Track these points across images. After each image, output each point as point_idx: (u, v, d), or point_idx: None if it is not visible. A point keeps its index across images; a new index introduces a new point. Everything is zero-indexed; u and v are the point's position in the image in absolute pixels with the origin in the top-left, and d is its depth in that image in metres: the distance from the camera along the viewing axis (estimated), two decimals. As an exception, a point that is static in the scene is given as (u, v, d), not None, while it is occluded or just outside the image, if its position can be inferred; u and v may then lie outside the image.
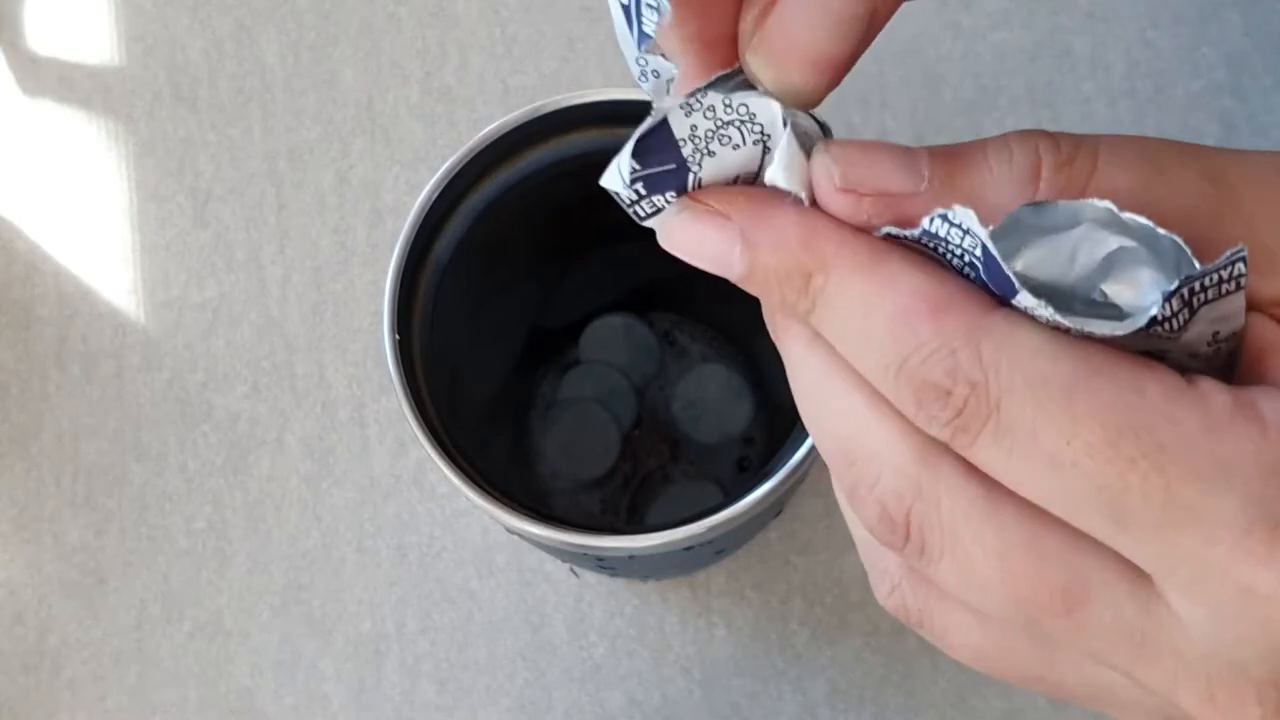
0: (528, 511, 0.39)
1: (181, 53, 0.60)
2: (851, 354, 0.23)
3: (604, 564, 0.46)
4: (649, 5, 0.24)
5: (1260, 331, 0.23)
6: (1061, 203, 0.22)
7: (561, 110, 0.42)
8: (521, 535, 0.41)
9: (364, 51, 0.60)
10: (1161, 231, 0.21)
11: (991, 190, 0.23)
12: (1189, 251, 0.20)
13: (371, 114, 0.59)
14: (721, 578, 0.53)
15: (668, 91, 0.26)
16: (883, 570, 0.26)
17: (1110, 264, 0.22)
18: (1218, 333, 0.21)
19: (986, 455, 0.22)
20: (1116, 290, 0.22)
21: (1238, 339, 0.22)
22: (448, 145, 0.58)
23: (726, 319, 0.54)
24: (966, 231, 0.21)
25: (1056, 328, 0.21)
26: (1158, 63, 0.57)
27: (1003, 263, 0.21)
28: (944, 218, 0.22)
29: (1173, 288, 0.20)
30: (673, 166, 0.25)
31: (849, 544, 0.53)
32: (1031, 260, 0.22)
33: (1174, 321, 0.21)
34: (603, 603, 0.53)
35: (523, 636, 0.53)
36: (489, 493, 0.39)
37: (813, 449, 0.39)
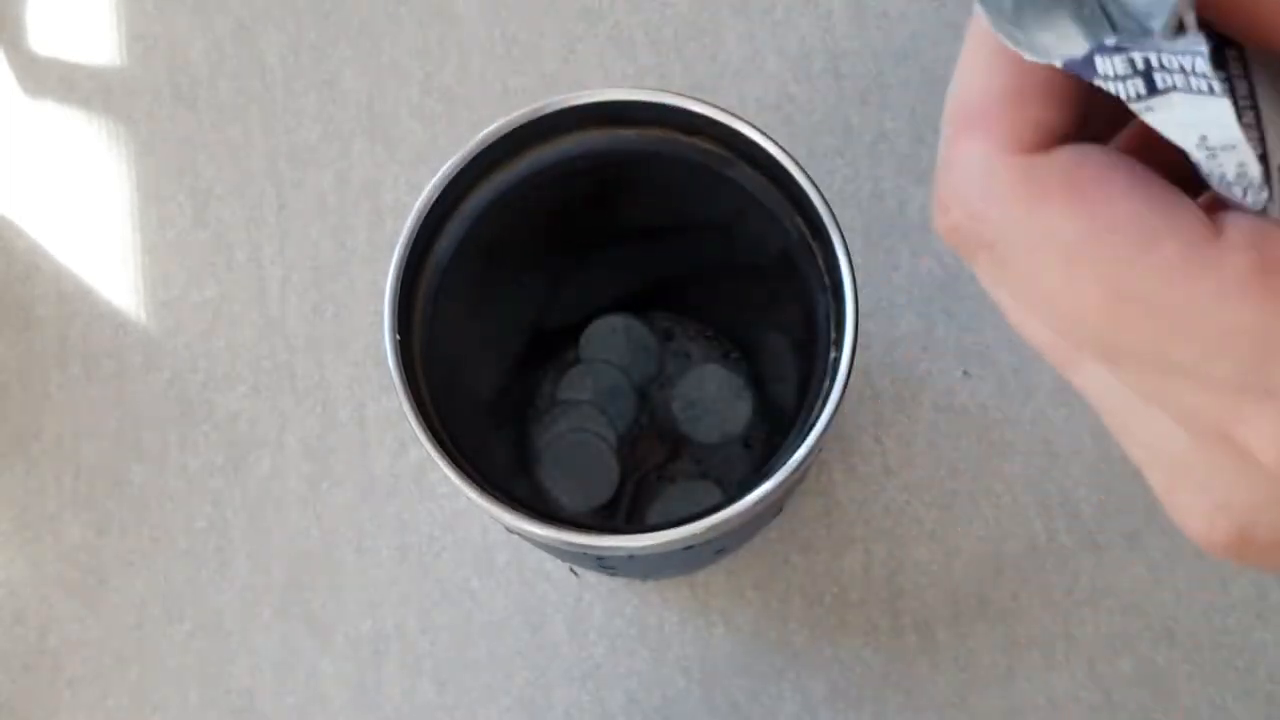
0: (528, 511, 0.39)
1: (182, 53, 0.60)
2: None
3: (604, 563, 0.47)
4: None
5: None
6: None
7: (561, 110, 0.42)
8: (521, 535, 0.41)
9: (364, 52, 0.60)
10: None
11: None
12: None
13: (371, 114, 0.59)
14: (721, 577, 0.53)
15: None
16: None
17: None
18: (1205, 138, 0.19)
19: (986, 274, 0.22)
20: (1117, 8, 0.20)
21: (1248, 172, 0.20)
22: (448, 145, 0.58)
23: (727, 319, 0.54)
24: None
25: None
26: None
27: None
28: None
29: (1111, 42, 0.18)
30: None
31: (849, 543, 0.53)
32: None
33: (1125, 86, 0.19)
34: (603, 602, 0.53)
35: (523, 636, 0.53)
36: (489, 492, 0.39)
37: (812, 449, 0.39)
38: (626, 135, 0.43)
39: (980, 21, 0.21)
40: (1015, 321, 0.23)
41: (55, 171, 0.60)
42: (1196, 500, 0.23)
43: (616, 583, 0.54)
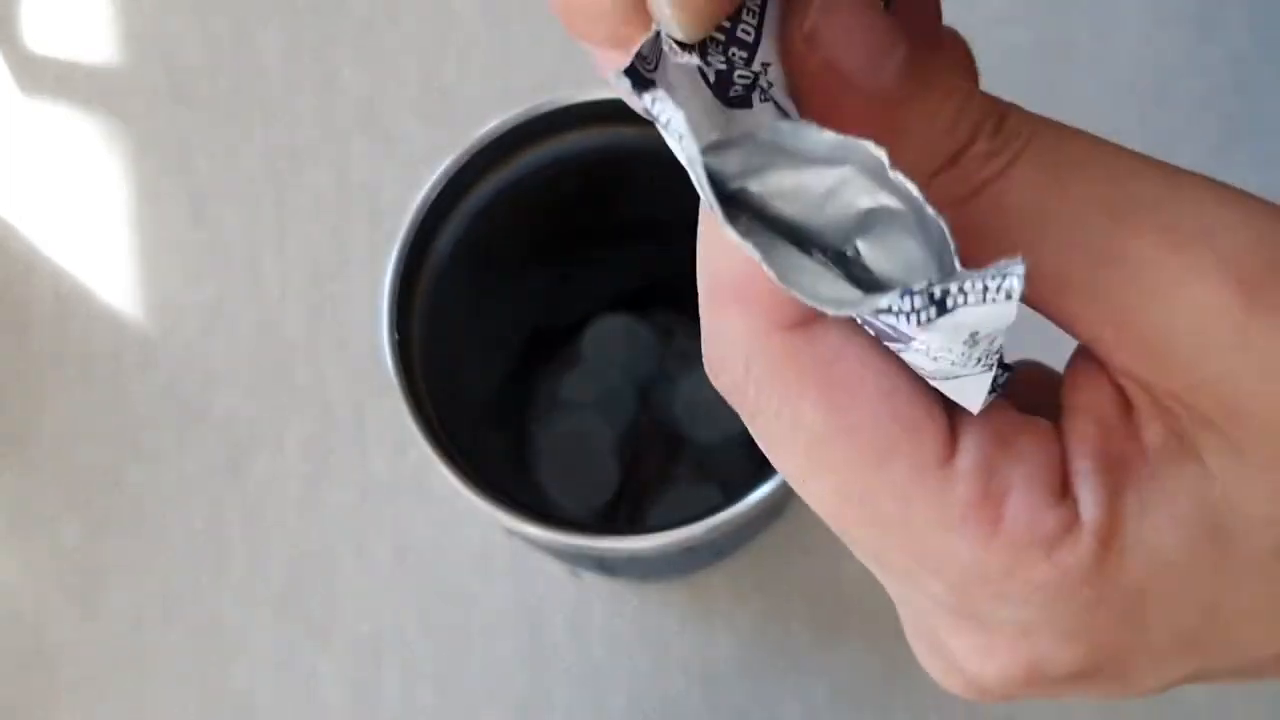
0: (527, 512, 0.39)
1: (180, 51, 0.60)
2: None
3: (604, 565, 0.46)
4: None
5: (1082, 393, 0.21)
6: (830, 132, 0.19)
7: (561, 109, 0.42)
8: (521, 536, 0.40)
9: (363, 51, 0.59)
10: (930, 211, 0.18)
11: (918, 137, 0.20)
12: (953, 245, 0.18)
13: (371, 114, 0.59)
14: (722, 579, 0.53)
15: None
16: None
17: (872, 221, 0.19)
18: (975, 334, 0.19)
19: (752, 429, 0.22)
20: (872, 253, 0.19)
21: (1005, 365, 0.21)
22: (447, 145, 0.58)
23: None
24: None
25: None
26: (1160, 61, 0.57)
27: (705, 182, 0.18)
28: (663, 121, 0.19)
29: (928, 286, 0.18)
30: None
31: (850, 545, 0.52)
32: (776, 187, 0.19)
33: (919, 316, 0.18)
34: (603, 604, 0.53)
35: (522, 638, 0.53)
36: (488, 493, 0.39)
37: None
38: (626, 133, 0.43)
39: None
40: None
41: (52, 171, 0.60)
42: (932, 657, 0.24)
43: (616, 584, 0.53)
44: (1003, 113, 0.21)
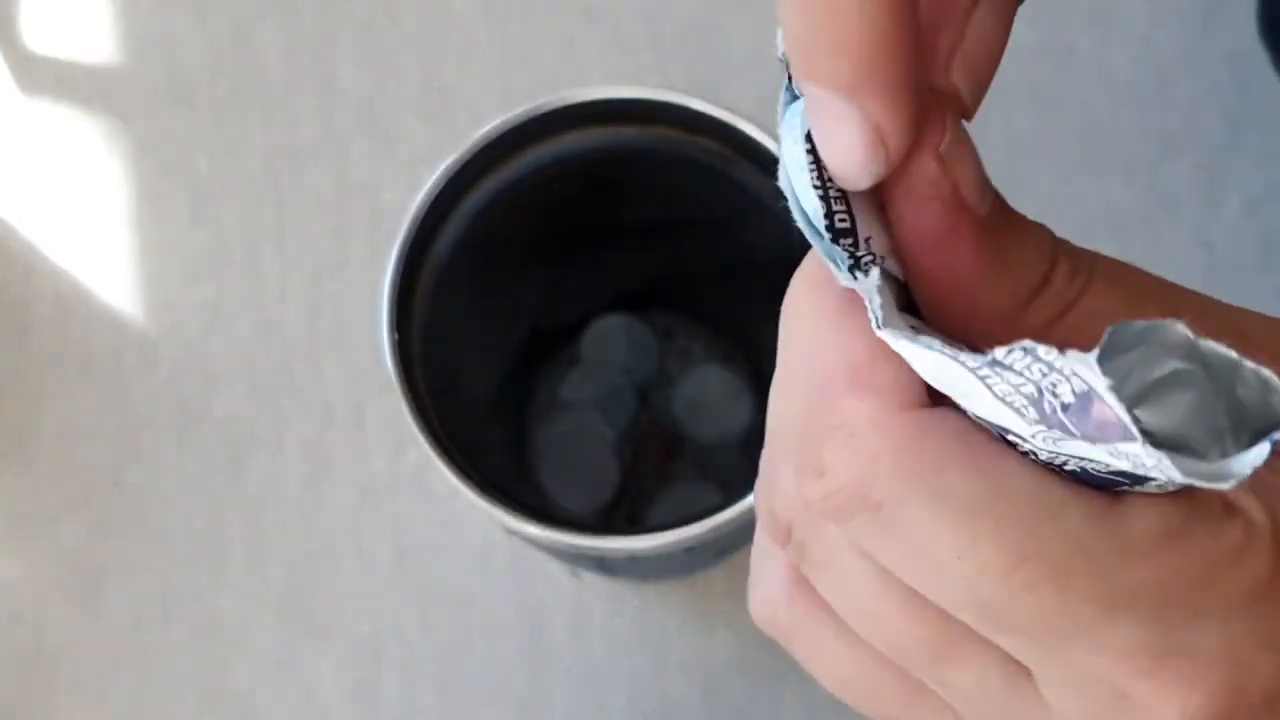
0: (527, 512, 0.39)
1: (180, 52, 0.60)
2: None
3: (604, 565, 0.46)
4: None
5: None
6: (1136, 323, 0.19)
7: (561, 108, 0.42)
8: (521, 536, 0.40)
9: (364, 51, 0.59)
10: (1249, 364, 0.18)
11: (1008, 290, 0.21)
12: None
13: (371, 114, 0.59)
14: (722, 579, 0.53)
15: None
16: (761, 573, 0.24)
17: (1155, 386, 0.20)
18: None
19: (861, 539, 0.21)
20: (1152, 415, 0.20)
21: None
22: (447, 145, 0.58)
23: (727, 319, 0.54)
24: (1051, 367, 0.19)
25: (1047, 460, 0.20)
26: (1160, 61, 0.57)
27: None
28: (1033, 354, 0.19)
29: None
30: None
31: (850, 545, 0.52)
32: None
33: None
34: (603, 604, 0.53)
35: (522, 637, 0.53)
36: (488, 493, 0.39)
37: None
38: (626, 133, 0.42)
39: (811, 292, 0.21)
40: (862, 629, 0.22)
41: (52, 171, 0.60)
42: None
43: (616, 584, 0.53)
44: (1064, 241, 0.22)
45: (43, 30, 0.61)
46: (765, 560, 0.24)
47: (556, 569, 0.53)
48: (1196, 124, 0.56)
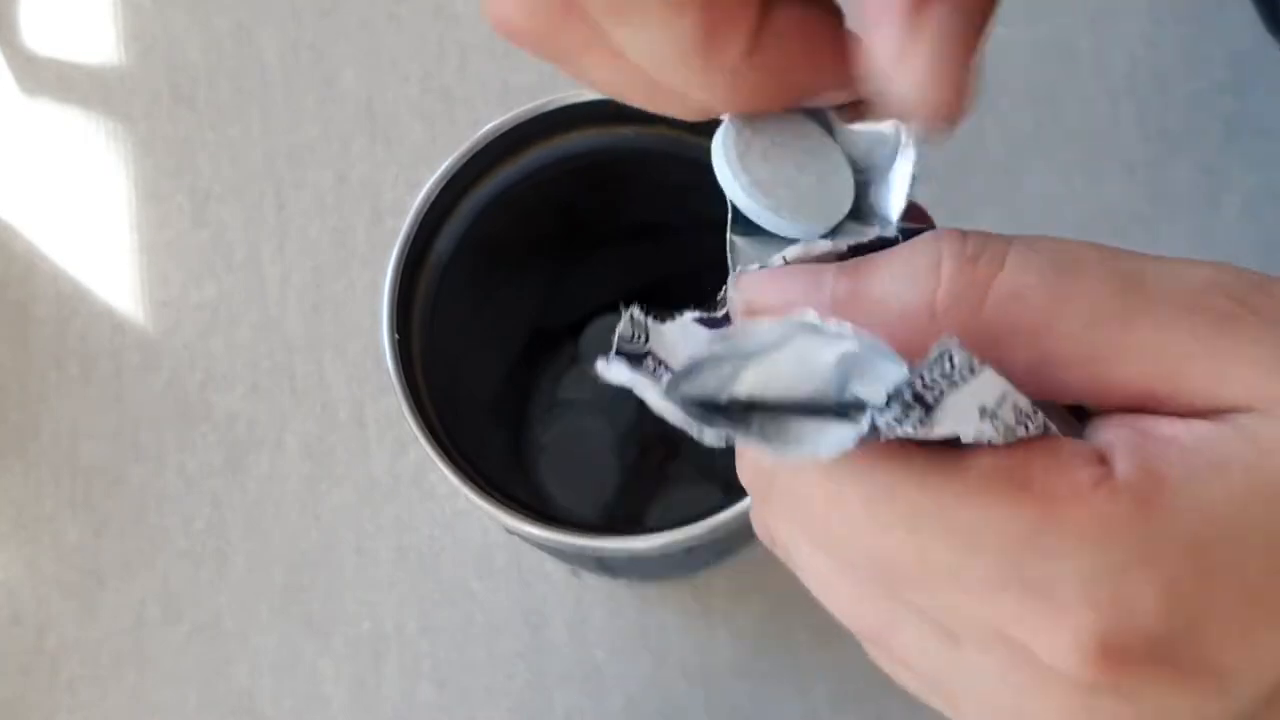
0: (527, 512, 0.39)
1: (181, 52, 0.60)
2: None
3: (604, 565, 0.46)
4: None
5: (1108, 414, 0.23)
6: (760, 323, 0.22)
7: (561, 108, 0.42)
8: (521, 536, 0.40)
9: (364, 51, 0.59)
10: (864, 335, 0.21)
11: (894, 298, 0.23)
12: (895, 355, 0.21)
13: (371, 114, 0.59)
14: (723, 579, 0.53)
15: None
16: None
17: (849, 364, 0.22)
18: (984, 408, 0.21)
19: (778, 515, 0.25)
20: (867, 390, 0.22)
21: (1039, 416, 0.22)
22: (448, 144, 0.58)
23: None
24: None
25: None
26: (1160, 61, 0.57)
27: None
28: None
29: (883, 401, 0.20)
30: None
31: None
32: (758, 382, 0.22)
33: (914, 420, 0.21)
34: (603, 604, 0.53)
35: (522, 637, 0.53)
36: (488, 493, 0.39)
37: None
38: (627, 133, 0.43)
39: None
40: (826, 599, 0.25)
41: (53, 171, 0.60)
42: (1012, 672, 0.23)
43: (617, 584, 0.53)
44: (947, 233, 0.24)
45: (43, 30, 0.61)
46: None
47: (556, 569, 0.53)
48: (1196, 124, 0.56)
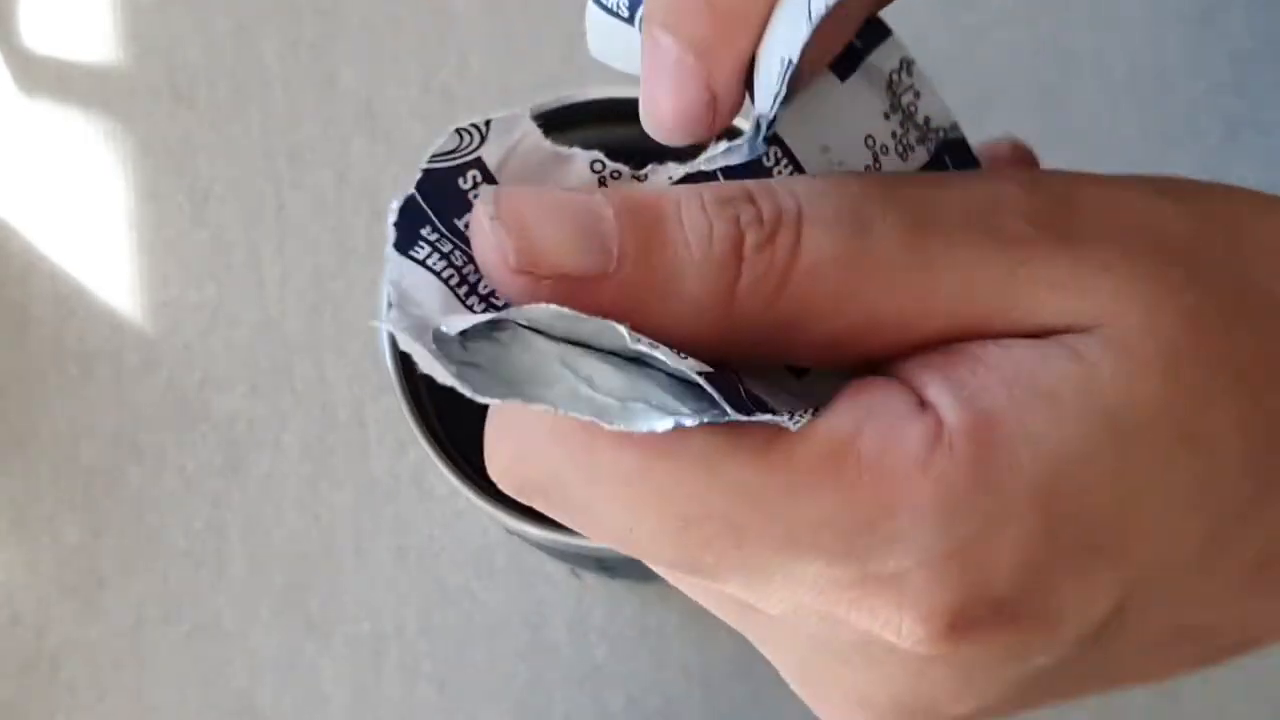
0: (528, 512, 0.39)
1: (180, 51, 0.60)
2: None
3: (604, 565, 0.46)
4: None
5: (919, 353, 0.21)
6: (534, 308, 0.21)
7: (562, 109, 0.42)
8: (521, 536, 0.40)
9: (364, 51, 0.59)
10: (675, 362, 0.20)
11: (691, 280, 0.21)
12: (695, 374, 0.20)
13: (371, 114, 0.59)
14: (722, 579, 0.53)
15: None
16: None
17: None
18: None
19: (556, 514, 0.22)
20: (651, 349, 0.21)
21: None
22: (447, 144, 0.58)
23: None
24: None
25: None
26: (1161, 62, 0.57)
27: None
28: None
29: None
30: None
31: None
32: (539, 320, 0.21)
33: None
34: (603, 604, 0.53)
35: (522, 637, 0.53)
36: (488, 493, 0.39)
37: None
38: (626, 133, 0.42)
39: None
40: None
41: (51, 171, 0.60)
42: (835, 704, 0.22)
43: (617, 584, 0.53)
44: (739, 198, 0.23)
45: (43, 30, 0.61)
46: None
47: (556, 569, 0.53)
48: (1196, 124, 0.56)
